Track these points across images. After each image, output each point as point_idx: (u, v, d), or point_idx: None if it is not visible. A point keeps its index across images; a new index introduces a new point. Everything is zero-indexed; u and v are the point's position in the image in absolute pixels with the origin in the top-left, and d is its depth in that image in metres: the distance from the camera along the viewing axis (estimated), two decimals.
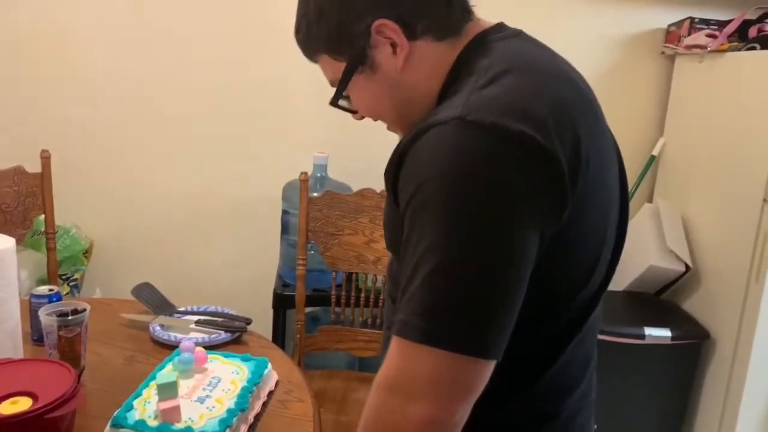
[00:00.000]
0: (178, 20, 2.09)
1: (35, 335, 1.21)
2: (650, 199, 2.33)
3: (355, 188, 1.79)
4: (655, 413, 1.98)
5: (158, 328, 1.29)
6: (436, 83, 0.75)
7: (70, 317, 1.07)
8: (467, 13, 0.76)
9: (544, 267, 0.66)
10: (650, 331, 1.88)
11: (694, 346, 1.92)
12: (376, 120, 0.83)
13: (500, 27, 0.77)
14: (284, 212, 2.00)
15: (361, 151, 2.19)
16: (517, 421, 0.77)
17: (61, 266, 2.00)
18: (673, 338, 1.88)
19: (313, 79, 2.10)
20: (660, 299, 2.12)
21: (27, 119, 2.10)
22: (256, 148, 2.19)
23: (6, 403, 0.86)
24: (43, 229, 1.83)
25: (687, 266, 1.99)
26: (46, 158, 1.76)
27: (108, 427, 0.92)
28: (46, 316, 1.07)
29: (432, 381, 0.61)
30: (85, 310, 1.10)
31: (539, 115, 0.64)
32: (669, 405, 1.98)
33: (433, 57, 0.74)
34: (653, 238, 2.07)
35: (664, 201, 2.19)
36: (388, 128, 0.84)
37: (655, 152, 2.26)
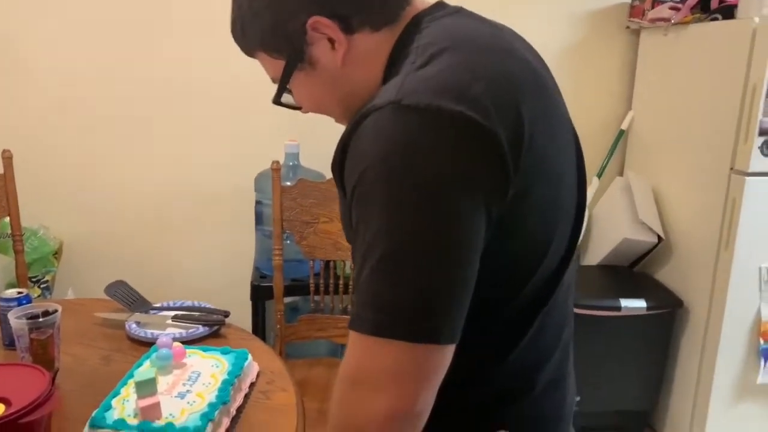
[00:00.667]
0: (142, 17, 2.04)
1: (6, 340, 1.18)
2: (621, 173, 2.36)
3: (328, 175, 1.77)
4: (634, 381, 2.03)
5: (134, 325, 1.27)
6: (377, 72, 0.73)
7: (41, 319, 1.05)
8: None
9: (498, 246, 0.66)
10: (626, 303, 1.92)
11: (668, 314, 1.96)
12: (316, 113, 0.82)
13: (439, 5, 0.76)
14: (257, 203, 1.98)
15: (332, 138, 2.15)
16: (490, 400, 0.77)
17: (31, 268, 1.95)
18: (648, 308, 1.92)
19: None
20: (634, 271, 2.15)
21: None
22: (225, 140, 2.16)
23: None
24: (9, 231, 1.78)
25: (659, 237, 2.02)
26: (8, 158, 1.70)
27: (87, 428, 0.90)
28: (15, 320, 1.04)
29: (391, 372, 0.61)
30: (56, 311, 1.07)
31: (476, 94, 0.62)
32: (646, 373, 2.03)
33: (373, 47, 0.73)
34: (625, 211, 2.10)
35: (635, 174, 2.22)
36: (337, 121, 0.83)
37: (624, 126, 2.29)
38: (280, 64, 0.75)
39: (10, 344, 1.14)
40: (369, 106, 0.65)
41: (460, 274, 0.62)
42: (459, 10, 0.76)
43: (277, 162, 1.68)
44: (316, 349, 2.08)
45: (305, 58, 0.73)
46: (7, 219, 1.75)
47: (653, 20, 2.08)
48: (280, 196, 1.68)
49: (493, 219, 0.64)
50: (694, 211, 1.95)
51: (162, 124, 2.12)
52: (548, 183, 0.70)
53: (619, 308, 1.91)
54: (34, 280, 1.98)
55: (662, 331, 1.99)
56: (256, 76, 2.07)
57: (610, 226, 2.12)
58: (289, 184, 1.73)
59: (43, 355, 1.05)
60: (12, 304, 1.14)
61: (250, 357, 1.13)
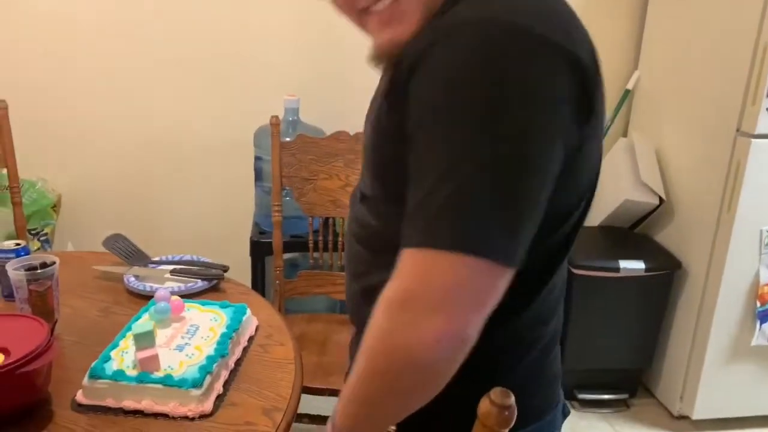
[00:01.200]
0: None
1: (5, 291, 1.18)
2: (625, 134, 2.33)
3: (328, 132, 1.75)
4: (630, 341, 2.05)
5: (132, 278, 1.27)
6: None
7: (39, 271, 1.05)
8: None
9: (557, 180, 0.64)
10: (625, 264, 1.92)
11: (666, 276, 1.97)
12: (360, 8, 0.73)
13: None
14: (257, 158, 1.97)
15: (333, 94, 2.14)
16: (502, 349, 0.76)
17: (30, 221, 1.95)
18: (646, 270, 1.92)
19: (283, 21, 2.05)
20: (634, 232, 2.15)
21: None
22: (225, 92, 2.12)
23: None
24: (6, 183, 1.77)
25: (661, 199, 2.01)
26: (3, 109, 1.68)
27: (86, 379, 0.91)
28: (14, 271, 1.04)
29: (453, 290, 0.59)
30: (54, 263, 1.07)
31: (566, 25, 0.64)
32: (642, 333, 2.05)
33: None
34: (628, 172, 2.08)
35: (639, 135, 2.19)
36: (390, 6, 0.71)
37: (629, 86, 2.25)
38: None
39: (9, 296, 1.14)
40: (448, 21, 0.63)
41: (538, 198, 0.62)
42: None
43: (276, 117, 1.66)
44: (315, 304, 2.10)
45: None
46: (5, 171, 1.74)
47: None
48: (279, 151, 1.66)
49: (565, 152, 0.64)
50: (697, 173, 1.93)
51: (162, 77, 2.08)
52: (600, 131, 0.71)
53: (618, 269, 1.91)
54: (33, 232, 1.97)
55: (660, 293, 1.99)
56: (257, 29, 2.04)
57: (611, 187, 2.11)
58: (288, 139, 1.71)
59: (41, 306, 1.05)
60: (10, 255, 1.13)
61: (248, 311, 1.13)
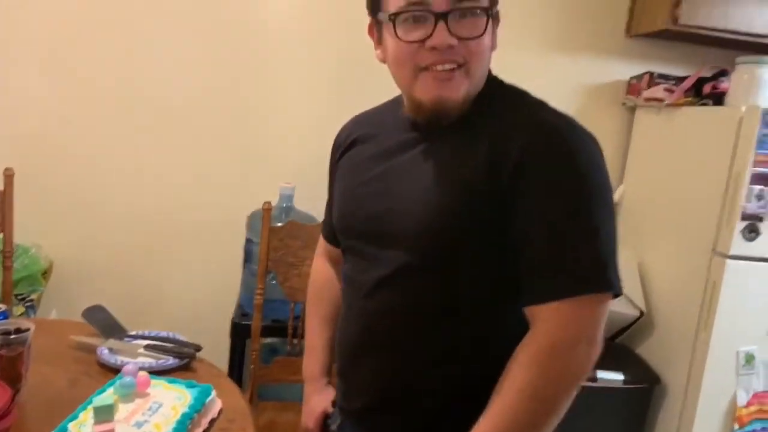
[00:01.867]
0: (147, 45, 2.11)
1: None
2: None
3: (320, 218, 1.80)
4: None
5: (106, 351, 1.28)
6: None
7: (12, 336, 1.07)
8: None
9: None
10: (602, 374, 1.91)
11: (645, 390, 1.95)
12: (459, 64, 0.87)
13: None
14: (248, 241, 2.02)
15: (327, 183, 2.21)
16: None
17: (18, 286, 1.97)
18: (624, 382, 1.91)
19: (284, 110, 2.16)
20: (614, 343, 2.15)
21: None
22: (224, 175, 2.21)
23: None
24: (1, 248, 1.81)
25: (641, 311, 2.03)
26: (9, 176, 1.75)
27: None
28: None
29: (601, 323, 0.82)
30: (28, 329, 1.09)
31: None
32: None
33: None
34: None
35: (622, 247, 2.24)
36: (449, 71, 0.87)
37: (615, 198, 2.33)
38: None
39: None
40: (546, 120, 0.87)
41: None
42: None
43: (269, 203, 1.72)
44: (291, 393, 2.06)
45: (498, 16, 0.91)
46: (1, 236, 1.78)
47: (648, 99, 2.15)
48: (268, 235, 1.72)
49: None
50: (676, 288, 1.97)
51: (163, 156, 2.17)
52: None
53: (595, 379, 1.90)
54: (20, 297, 1.99)
55: (638, 407, 1.97)
56: (260, 117, 2.16)
57: None
58: (279, 224, 1.77)
59: (10, 371, 1.06)
60: None
61: (213, 393, 1.13)
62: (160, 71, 2.12)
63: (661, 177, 2.10)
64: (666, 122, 2.10)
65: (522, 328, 0.85)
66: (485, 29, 0.86)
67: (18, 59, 2.07)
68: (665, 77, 2.16)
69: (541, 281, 0.82)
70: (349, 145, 1.07)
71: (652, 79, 2.17)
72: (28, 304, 2.01)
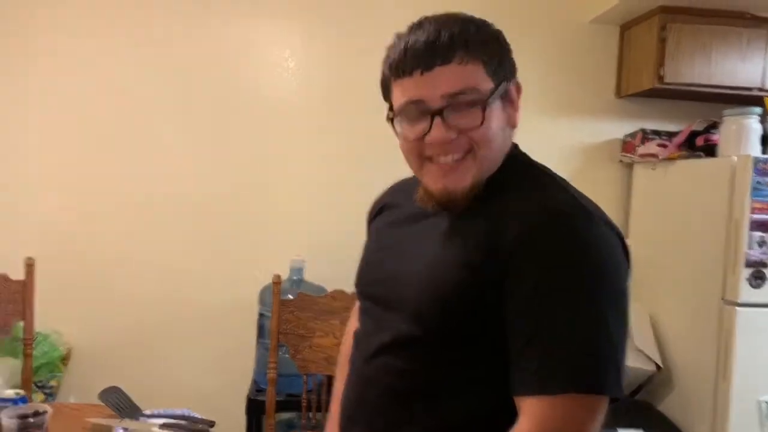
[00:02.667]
0: (162, 131, 2.23)
1: None
2: None
3: (330, 289, 1.84)
4: None
5: (121, 431, 1.30)
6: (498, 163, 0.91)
7: (30, 419, 1.10)
8: None
9: None
10: None
11: None
12: (466, 151, 0.87)
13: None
14: (260, 315, 2.05)
15: (338, 255, 2.27)
16: None
17: (38, 373, 2.01)
18: None
19: (293, 186, 2.24)
20: (634, 399, 2.11)
21: (12, 226, 2.18)
22: (235, 253, 2.27)
23: None
24: (22, 335, 1.86)
25: (658, 366, 2.01)
26: (30, 265, 1.82)
27: None
28: (7, 419, 1.09)
29: (588, 425, 0.77)
30: (45, 412, 1.12)
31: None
32: None
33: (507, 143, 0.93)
34: None
35: (632, 302, 2.24)
36: (453, 166, 0.88)
37: None
38: (486, 82, 0.86)
39: None
40: (550, 206, 0.84)
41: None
42: None
43: (278, 276, 1.77)
44: None
45: (509, 94, 0.90)
46: (21, 323, 1.84)
47: (643, 155, 2.21)
48: (278, 308, 1.75)
49: None
50: (691, 340, 1.95)
51: (175, 238, 2.25)
52: None
53: None
54: (39, 384, 2.02)
55: None
56: (274, 194, 2.24)
57: None
58: (290, 297, 1.81)
59: None
60: (8, 404, 1.19)
61: None
62: (171, 159, 2.24)
63: (664, 229, 2.13)
64: (663, 176, 2.15)
65: (512, 416, 0.80)
66: (483, 119, 0.85)
67: (39, 154, 2.20)
68: (657, 133, 2.23)
69: (522, 373, 0.79)
70: (378, 211, 1.11)
71: (645, 135, 2.23)
72: (48, 390, 2.04)
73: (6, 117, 2.18)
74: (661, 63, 2.07)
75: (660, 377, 2.03)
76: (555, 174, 0.92)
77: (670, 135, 2.19)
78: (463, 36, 0.84)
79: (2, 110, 2.18)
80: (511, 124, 0.91)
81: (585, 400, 0.76)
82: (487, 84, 0.86)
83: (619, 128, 2.38)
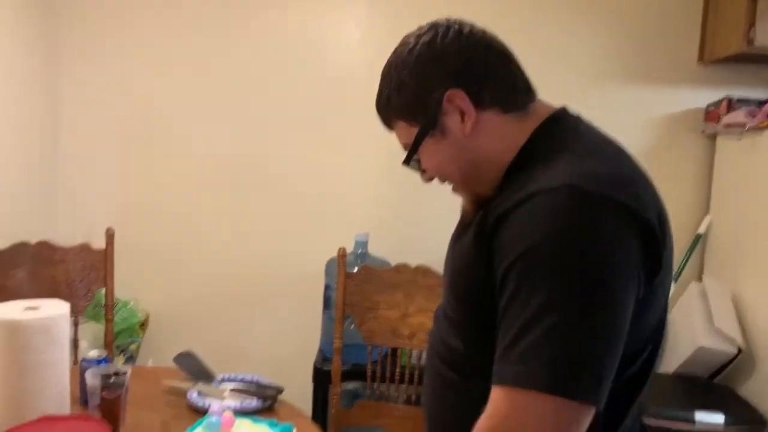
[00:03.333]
0: (234, 105, 2.28)
1: (83, 398, 1.30)
2: (699, 278, 2.27)
3: (394, 263, 1.85)
4: None
5: (195, 394, 1.36)
6: (505, 151, 0.85)
7: (112, 379, 1.16)
8: (531, 92, 0.88)
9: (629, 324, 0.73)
10: (701, 416, 1.79)
11: None
12: (443, 182, 0.92)
13: (565, 110, 0.88)
14: (326, 287, 2.08)
15: (401, 230, 2.27)
16: None
17: (118, 337, 2.12)
18: (726, 424, 1.78)
19: (360, 161, 2.25)
20: (713, 383, 2.02)
21: (94, 199, 2.30)
22: (303, 226, 2.31)
23: None
24: (103, 302, 1.97)
25: (739, 348, 1.90)
26: (110, 235, 1.92)
27: None
28: (91, 378, 1.16)
29: (542, 427, 0.68)
30: (125, 373, 1.18)
31: (636, 190, 0.74)
32: None
33: (501, 127, 0.85)
34: (701, 318, 2.01)
35: (712, 279, 2.13)
36: (453, 189, 0.93)
37: (701, 230, 2.23)
38: (413, 132, 0.87)
39: (86, 402, 1.25)
40: (533, 188, 0.74)
41: (618, 346, 0.71)
42: (580, 116, 0.88)
43: (343, 249, 1.78)
44: None
45: (437, 126, 0.85)
46: (103, 290, 1.94)
47: (728, 125, 2.07)
48: (344, 281, 1.77)
49: (637, 301, 0.73)
50: None
51: (249, 210, 2.31)
52: (668, 276, 0.81)
53: (693, 421, 1.78)
54: (120, 349, 2.14)
55: None
56: (341, 171, 2.25)
57: (685, 333, 2.03)
58: (355, 270, 1.82)
59: (109, 413, 1.15)
60: (91, 364, 1.26)
61: (294, 431, 1.17)
62: (244, 135, 2.29)
63: (750, 204, 2.00)
64: (749, 147, 2.01)
65: None
66: (420, 166, 0.90)
67: (118, 126, 2.29)
68: (745, 101, 2.08)
69: (497, 359, 0.74)
70: None
71: (731, 104, 2.09)
72: (128, 354, 2.15)
73: (83, 90, 2.28)
74: (751, 24, 1.92)
75: (742, 360, 1.93)
76: (589, 140, 0.83)
77: (760, 103, 2.04)
78: (380, 103, 0.91)
79: (79, 84, 2.28)
80: (463, 133, 0.85)
81: (544, 400, 0.67)
82: (413, 133, 0.87)
83: (702, 97, 2.24)
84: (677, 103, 2.27)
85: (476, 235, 0.81)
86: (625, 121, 2.26)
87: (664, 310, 0.82)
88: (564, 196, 0.71)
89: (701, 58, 2.23)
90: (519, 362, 0.69)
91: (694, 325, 2.01)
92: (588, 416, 0.69)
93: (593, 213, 0.70)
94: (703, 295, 2.08)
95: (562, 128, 0.85)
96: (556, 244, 0.70)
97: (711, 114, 2.20)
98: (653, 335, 0.80)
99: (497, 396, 0.71)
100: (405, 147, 0.90)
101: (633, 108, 2.27)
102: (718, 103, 2.16)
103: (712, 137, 2.24)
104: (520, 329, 0.70)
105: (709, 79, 2.23)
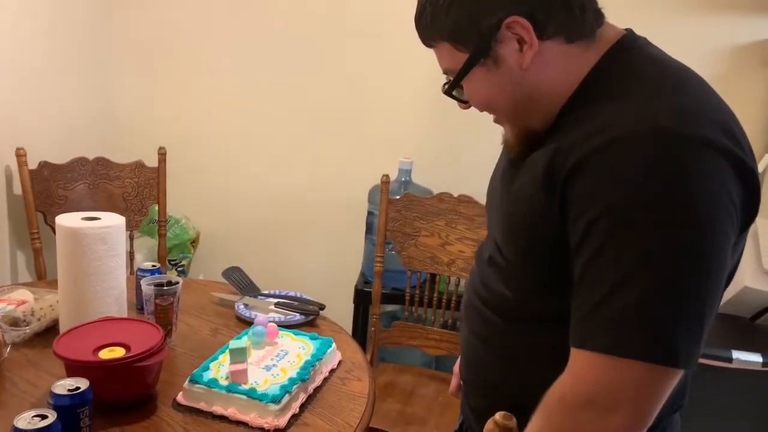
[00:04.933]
0: (279, 37, 2.26)
1: (139, 304, 1.39)
2: None
3: (436, 191, 1.86)
4: None
5: (242, 306, 1.43)
6: (566, 86, 0.75)
7: (165, 287, 1.23)
8: (600, 17, 0.77)
9: None
10: (739, 355, 1.78)
11: None
12: (482, 111, 0.83)
13: (632, 33, 0.78)
14: (369, 213, 2.11)
15: (446, 158, 2.26)
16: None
17: (171, 252, 2.23)
18: (764, 364, 1.77)
19: (405, 87, 2.23)
20: (755, 324, 2.00)
21: (149, 120, 2.36)
22: (349, 152, 2.32)
23: (105, 350, 1.02)
24: (156, 217, 2.06)
25: None
26: (162, 154, 1.99)
27: (187, 382, 1.05)
28: (146, 286, 1.24)
29: (636, 392, 0.65)
30: (178, 282, 1.25)
31: (731, 128, 0.67)
32: None
33: (564, 58, 0.74)
34: (750, 258, 1.96)
35: (765, 220, 2.06)
36: (495, 121, 0.86)
37: (760, 168, 2.14)
38: (459, 57, 0.77)
39: (141, 308, 1.34)
40: (617, 129, 0.66)
41: (715, 305, 0.67)
42: (647, 40, 0.79)
43: (387, 176, 1.80)
44: (411, 358, 2.16)
45: (490, 55, 0.74)
46: (156, 207, 2.03)
47: None
48: (386, 207, 1.79)
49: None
50: None
51: (295, 136, 2.33)
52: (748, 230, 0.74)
53: (730, 359, 1.78)
54: (172, 262, 2.25)
55: None
56: (386, 95, 2.24)
57: None
58: (397, 197, 1.84)
59: (163, 318, 1.23)
60: (146, 273, 1.34)
61: (334, 345, 1.23)
62: (293, 67, 2.27)
63: None
64: None
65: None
66: (464, 95, 0.81)
67: (173, 60, 2.32)
68: None
69: (574, 321, 0.69)
70: None
71: None
72: (180, 269, 2.26)
73: (136, 24, 2.30)
74: None
75: None
76: (668, 69, 0.73)
77: None
78: (423, 21, 0.79)
79: (133, 18, 2.30)
80: (522, 65, 0.74)
81: (629, 365, 0.64)
82: (460, 58, 0.77)
83: None
84: (744, 34, 2.13)
85: (545, 181, 0.72)
86: (688, 50, 2.13)
87: (739, 257, 0.76)
88: (654, 141, 0.64)
89: None
90: (611, 326, 0.65)
91: (741, 264, 1.96)
92: (677, 378, 0.66)
93: (690, 161, 0.63)
94: (753, 236, 2.02)
95: (634, 56, 0.75)
96: (649, 199, 0.63)
97: None
98: (730, 279, 0.76)
99: (585, 360, 0.67)
100: (446, 72, 0.81)
101: (698, 36, 2.15)
102: None
103: None
104: (610, 289, 0.64)
105: None
